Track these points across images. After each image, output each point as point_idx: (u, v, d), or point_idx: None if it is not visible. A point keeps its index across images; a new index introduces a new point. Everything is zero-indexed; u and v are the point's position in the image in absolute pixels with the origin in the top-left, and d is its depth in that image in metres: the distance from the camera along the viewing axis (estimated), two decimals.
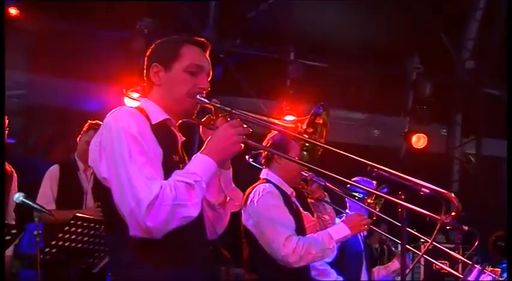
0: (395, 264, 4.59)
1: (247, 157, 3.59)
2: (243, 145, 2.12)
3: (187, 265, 2.07)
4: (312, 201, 3.53)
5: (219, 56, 7.57)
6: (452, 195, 1.89)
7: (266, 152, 3.37)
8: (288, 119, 2.31)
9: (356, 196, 3.58)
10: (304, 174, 3.41)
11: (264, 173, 3.40)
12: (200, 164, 2.05)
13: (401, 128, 8.30)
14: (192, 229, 2.04)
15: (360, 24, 7.29)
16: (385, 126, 8.51)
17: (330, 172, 2.21)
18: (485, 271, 3.38)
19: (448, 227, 4.74)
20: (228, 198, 2.31)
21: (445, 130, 8.84)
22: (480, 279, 3.23)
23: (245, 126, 2.12)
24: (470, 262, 3.40)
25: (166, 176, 2.01)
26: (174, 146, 2.19)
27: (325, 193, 3.53)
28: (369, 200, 3.55)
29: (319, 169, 2.21)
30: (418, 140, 8.02)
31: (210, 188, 2.20)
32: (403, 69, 8.34)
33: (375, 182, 3.94)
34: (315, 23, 7.17)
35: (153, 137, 2.05)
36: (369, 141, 8.36)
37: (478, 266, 3.29)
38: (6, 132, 4.03)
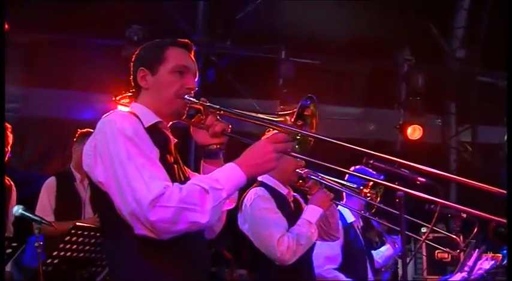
0: (389, 250, 4.62)
1: None
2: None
3: (186, 267, 2.08)
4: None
5: (211, 59, 7.59)
6: None
7: None
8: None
9: (352, 187, 3.57)
10: (300, 171, 3.41)
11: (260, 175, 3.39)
12: (227, 173, 1.98)
13: (396, 121, 8.31)
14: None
15: (349, 19, 7.30)
16: (380, 120, 8.52)
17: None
18: (483, 256, 3.39)
19: (448, 215, 4.76)
20: None
21: (439, 120, 8.84)
22: (478, 264, 3.25)
23: (289, 139, 2.04)
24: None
25: None
26: (168, 148, 2.21)
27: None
28: (364, 190, 3.55)
29: (313, 160, 2.23)
30: (414, 132, 8.03)
31: None
32: (394, 61, 8.35)
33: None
34: (304, 21, 7.18)
35: (149, 137, 2.06)
36: (365, 135, 8.37)
37: (476, 251, 3.31)
38: (9, 146, 4.01)
